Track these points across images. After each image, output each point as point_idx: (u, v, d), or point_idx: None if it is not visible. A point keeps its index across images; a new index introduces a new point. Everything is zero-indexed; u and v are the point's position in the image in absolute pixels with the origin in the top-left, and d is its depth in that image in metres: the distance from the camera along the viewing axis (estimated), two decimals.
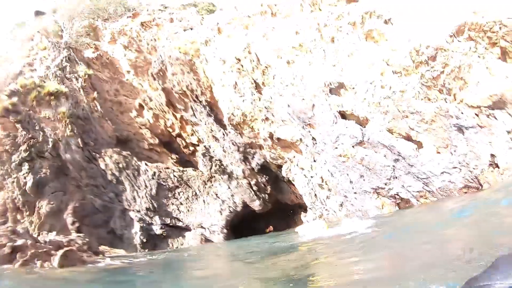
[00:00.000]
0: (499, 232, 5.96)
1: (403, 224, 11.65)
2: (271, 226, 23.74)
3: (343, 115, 17.00)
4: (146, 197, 19.73)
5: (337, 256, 8.20)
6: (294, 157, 19.85)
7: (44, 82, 18.72)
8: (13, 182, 16.17)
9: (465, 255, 5.02)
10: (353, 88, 16.66)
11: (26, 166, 16.58)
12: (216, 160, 21.89)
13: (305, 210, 20.30)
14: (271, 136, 19.95)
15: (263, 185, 21.99)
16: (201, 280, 9.22)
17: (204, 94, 21.13)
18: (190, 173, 21.60)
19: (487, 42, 12.68)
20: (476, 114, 12.27)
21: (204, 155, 21.94)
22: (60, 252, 10.96)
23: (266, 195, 21.91)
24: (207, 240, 20.11)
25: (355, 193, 16.66)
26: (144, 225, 19.29)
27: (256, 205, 21.34)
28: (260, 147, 20.97)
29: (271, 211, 22.62)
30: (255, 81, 20.17)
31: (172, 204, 20.43)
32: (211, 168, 21.73)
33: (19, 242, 10.55)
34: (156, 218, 19.68)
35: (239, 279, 8.08)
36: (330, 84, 17.33)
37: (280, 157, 20.54)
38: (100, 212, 18.47)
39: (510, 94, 11.24)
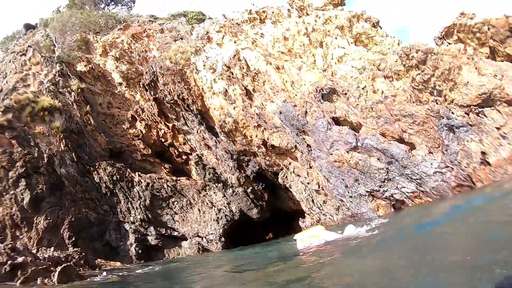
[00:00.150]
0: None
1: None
2: (270, 234, 23.72)
3: (336, 121, 17.15)
4: (140, 208, 19.64)
5: (335, 264, 8.20)
6: (290, 164, 19.91)
7: (38, 97, 18.66)
8: (10, 198, 16.12)
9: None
10: (345, 93, 16.83)
11: (23, 182, 16.54)
12: (209, 168, 21.85)
13: (303, 216, 20.36)
14: (264, 143, 20.00)
15: (260, 193, 21.96)
16: None
17: (195, 102, 21.18)
18: (183, 182, 21.54)
19: (476, 42, 12.93)
20: (466, 113, 12.47)
21: (197, 163, 21.91)
22: (59, 268, 10.92)
23: (264, 203, 21.87)
24: (204, 250, 19.96)
25: (350, 197, 16.76)
26: (139, 236, 19.17)
27: (253, 213, 21.30)
28: (255, 154, 21.01)
29: (269, 218, 22.60)
30: (245, 88, 20.27)
31: (167, 214, 20.33)
32: (204, 177, 21.69)
33: (20, 259, 10.51)
34: (151, 228, 19.56)
35: None
36: (322, 90, 17.49)
37: (276, 164, 20.60)
38: (95, 225, 18.35)
39: (498, 91, 11.47)
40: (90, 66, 22.79)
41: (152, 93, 22.05)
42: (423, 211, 12.88)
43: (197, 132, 21.76)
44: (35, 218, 16.26)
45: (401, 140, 14.76)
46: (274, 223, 23.56)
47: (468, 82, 12.09)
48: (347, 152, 16.33)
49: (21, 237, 15.60)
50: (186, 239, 20.20)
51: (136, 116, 22.70)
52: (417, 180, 14.19)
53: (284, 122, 18.78)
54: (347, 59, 17.77)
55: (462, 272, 4.67)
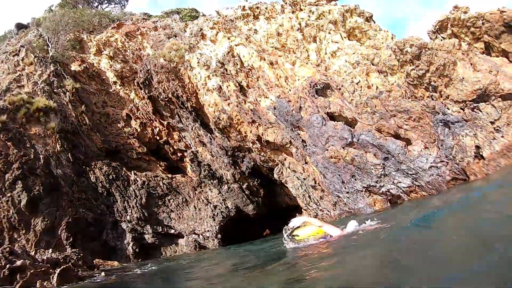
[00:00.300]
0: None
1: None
2: (267, 230, 23.79)
3: (331, 116, 17.18)
4: (137, 206, 19.64)
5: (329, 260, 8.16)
6: (285, 159, 19.93)
7: (33, 98, 18.52)
8: (7, 201, 16.07)
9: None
10: (339, 88, 16.86)
11: (19, 184, 16.49)
12: (204, 165, 21.86)
13: (300, 212, 20.43)
14: (259, 139, 20.00)
15: (255, 189, 22.01)
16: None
17: (190, 100, 21.14)
18: (179, 180, 21.55)
19: (470, 37, 12.96)
20: (461, 109, 12.52)
21: (192, 160, 21.91)
22: (58, 270, 10.93)
23: (260, 199, 21.94)
24: (201, 247, 20.00)
25: (347, 192, 16.82)
26: (136, 235, 19.18)
27: (249, 209, 21.37)
28: (249, 150, 21.01)
29: (266, 214, 22.67)
30: (239, 84, 20.24)
31: (163, 212, 20.34)
32: (200, 174, 21.71)
33: (18, 263, 10.50)
34: (148, 227, 19.58)
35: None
36: (316, 85, 17.51)
37: (271, 160, 20.62)
38: (92, 225, 18.34)
39: (494, 87, 11.53)
40: (85, 65, 22.67)
41: (146, 91, 22.01)
42: (419, 205, 12.92)
43: (192, 129, 21.73)
44: (32, 220, 16.24)
45: (397, 136, 14.81)
46: (270, 219, 23.62)
47: (463, 78, 12.12)
48: (343, 148, 16.36)
49: (19, 239, 15.59)
50: (183, 237, 20.24)
51: (131, 114, 22.64)
52: (413, 175, 14.27)
53: (278, 118, 18.79)
54: (340, 54, 17.78)
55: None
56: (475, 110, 12.10)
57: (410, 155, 14.17)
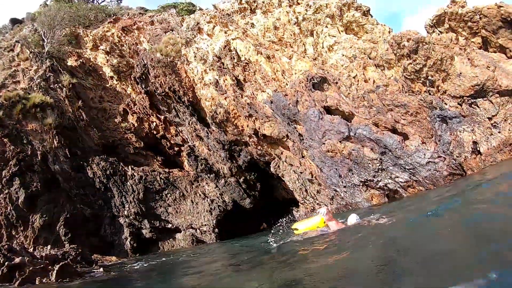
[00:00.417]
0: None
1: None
2: (264, 224, 23.85)
3: (328, 110, 17.19)
4: (134, 201, 19.62)
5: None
6: (282, 153, 19.95)
7: (29, 94, 18.35)
8: (5, 198, 16.05)
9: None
10: (336, 82, 16.86)
11: (17, 181, 16.46)
12: (201, 159, 21.85)
13: (297, 206, 20.51)
14: (256, 133, 20.00)
15: (252, 183, 22.04)
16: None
17: (187, 94, 21.07)
18: (176, 174, 21.51)
19: (467, 32, 12.97)
20: (459, 104, 12.56)
21: (189, 155, 21.89)
22: (56, 267, 10.95)
23: (256, 193, 21.97)
24: (198, 241, 20.04)
25: (344, 186, 16.88)
26: (134, 230, 19.18)
27: (246, 203, 21.39)
28: (246, 144, 21.01)
29: (262, 208, 22.71)
30: (236, 78, 20.19)
31: (160, 206, 20.33)
32: (197, 168, 21.69)
33: (17, 260, 10.50)
34: (145, 222, 19.58)
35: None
36: (313, 79, 17.49)
37: (268, 154, 20.63)
38: (90, 221, 18.34)
39: (491, 83, 11.55)
40: (81, 60, 22.44)
41: (143, 86, 21.90)
42: (417, 200, 12.95)
43: (188, 124, 21.69)
44: (30, 217, 16.24)
45: (394, 131, 14.84)
46: (267, 213, 23.69)
47: (461, 73, 12.14)
48: (340, 142, 16.38)
49: (17, 236, 15.60)
50: (180, 231, 20.27)
51: (127, 109, 22.53)
52: (410, 170, 14.32)
53: (275, 112, 18.78)
54: (337, 48, 17.74)
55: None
56: (472, 105, 12.13)
57: (408, 150, 14.21)
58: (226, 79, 20.26)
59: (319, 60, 18.15)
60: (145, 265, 14.46)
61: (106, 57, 23.25)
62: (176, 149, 23.09)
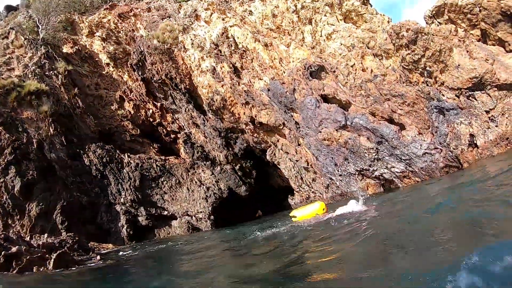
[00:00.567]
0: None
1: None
2: (259, 211, 23.97)
3: (325, 98, 17.14)
4: (131, 189, 19.64)
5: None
6: (278, 141, 19.97)
7: (24, 81, 18.14)
8: (1, 186, 16.00)
9: None
10: (334, 71, 16.78)
11: (13, 169, 16.42)
12: (198, 146, 21.84)
13: (292, 193, 20.58)
14: (252, 120, 19.97)
15: (248, 170, 22.08)
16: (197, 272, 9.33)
17: (183, 81, 20.93)
18: (172, 161, 21.49)
19: (467, 24, 12.89)
20: (456, 96, 12.56)
21: (185, 142, 21.86)
22: (54, 255, 10.96)
23: (252, 180, 22.03)
24: (194, 228, 20.14)
25: (340, 175, 16.94)
26: (130, 217, 19.25)
27: (242, 190, 21.47)
28: (242, 131, 21.00)
29: (258, 196, 22.80)
30: (233, 66, 20.08)
31: (156, 194, 20.37)
32: (193, 155, 21.69)
33: (14, 249, 10.48)
34: (141, 209, 19.63)
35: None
36: (310, 67, 17.41)
37: (264, 141, 20.64)
38: (87, 208, 18.37)
39: (489, 76, 11.54)
40: (77, 47, 22.17)
41: (140, 73, 21.73)
42: (415, 190, 12.97)
43: (185, 111, 21.61)
44: (27, 205, 16.23)
45: (390, 120, 14.86)
46: (263, 201, 23.79)
47: (459, 65, 12.11)
48: (336, 130, 16.40)
49: (13, 225, 15.59)
50: (176, 218, 20.36)
51: (124, 96, 22.37)
52: (406, 161, 14.37)
53: (272, 100, 18.73)
54: (336, 37, 17.63)
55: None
56: (470, 98, 12.13)
57: (404, 140, 14.23)
58: (223, 67, 20.13)
59: (317, 49, 18.04)
60: (141, 252, 14.52)
61: (102, 43, 22.98)
62: (172, 136, 23.05)
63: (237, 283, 6.69)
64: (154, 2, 23.99)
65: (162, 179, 20.65)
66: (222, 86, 20.23)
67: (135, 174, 19.91)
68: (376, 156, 15.37)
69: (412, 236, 6.33)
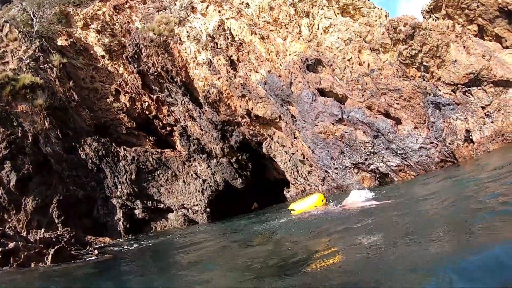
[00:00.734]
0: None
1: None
2: (255, 204, 24.08)
3: (321, 92, 17.15)
4: (127, 182, 19.61)
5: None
6: (274, 134, 20.01)
7: (18, 75, 17.92)
8: None
9: None
10: (331, 65, 16.77)
11: (8, 164, 16.27)
12: (194, 139, 21.81)
13: (288, 186, 20.67)
14: (248, 113, 19.98)
15: (244, 163, 22.13)
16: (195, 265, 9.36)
17: (179, 74, 20.84)
18: (168, 154, 21.46)
19: (464, 19, 12.89)
20: (453, 91, 12.61)
21: (181, 135, 21.83)
22: (52, 251, 10.96)
23: (248, 173, 22.09)
24: (190, 221, 20.21)
25: (336, 168, 17.03)
26: (126, 210, 19.25)
27: (238, 183, 21.52)
28: (238, 124, 21.01)
29: (254, 188, 22.87)
30: (230, 58, 20.01)
31: (153, 187, 20.36)
32: (189, 148, 21.67)
33: (11, 245, 10.48)
34: (138, 202, 19.63)
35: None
36: (307, 60, 17.39)
37: (260, 134, 20.68)
38: (83, 202, 18.33)
39: (486, 72, 11.57)
40: (71, 40, 21.90)
41: (135, 66, 21.57)
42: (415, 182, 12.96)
43: (181, 104, 21.55)
44: (23, 200, 16.16)
45: (387, 115, 14.91)
46: (259, 193, 23.88)
47: (456, 61, 12.14)
48: (333, 124, 16.45)
49: (9, 220, 15.54)
50: (172, 211, 20.41)
51: (119, 89, 22.22)
52: (402, 155, 14.46)
53: (268, 93, 18.73)
54: (333, 30, 17.58)
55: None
56: (466, 94, 12.18)
57: (400, 134, 14.30)
58: (219, 59, 20.05)
59: (314, 42, 17.99)
60: (138, 245, 14.56)
61: (97, 36, 22.75)
62: (168, 129, 23.00)
63: (235, 276, 6.72)
64: None
65: (158, 172, 20.64)
66: (219, 79, 20.18)
67: (131, 167, 19.88)
68: (372, 150, 15.45)
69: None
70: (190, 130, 22.08)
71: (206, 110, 21.10)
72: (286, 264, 6.43)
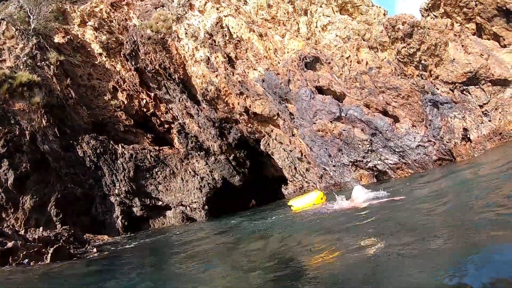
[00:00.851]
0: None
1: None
2: (253, 201, 24.11)
3: (320, 90, 17.16)
4: (125, 180, 19.61)
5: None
6: (272, 131, 20.03)
7: (15, 72, 17.84)
8: None
9: None
10: (329, 62, 16.78)
11: (5, 162, 16.25)
12: (192, 136, 21.81)
13: (286, 183, 20.70)
14: (246, 110, 19.98)
15: (242, 160, 22.15)
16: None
17: (177, 71, 20.80)
18: (166, 152, 21.44)
19: (462, 17, 12.91)
20: (450, 90, 12.64)
21: (179, 132, 21.82)
22: (51, 250, 10.96)
23: (246, 170, 22.11)
24: (188, 218, 20.20)
25: (334, 166, 17.07)
26: (125, 208, 19.25)
27: (236, 180, 21.54)
28: (236, 121, 21.02)
29: (252, 185, 22.90)
30: (227, 56, 19.99)
31: (151, 184, 20.36)
32: (187, 145, 21.67)
33: (9, 244, 10.47)
34: (136, 200, 19.64)
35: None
36: (305, 58, 17.39)
37: (258, 131, 20.69)
38: (81, 200, 18.32)
39: (484, 71, 11.61)
40: (68, 37, 21.79)
41: (133, 63, 21.50)
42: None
43: (179, 101, 21.53)
44: (20, 198, 16.14)
45: (385, 113, 14.94)
46: (257, 190, 23.91)
47: (454, 59, 12.16)
48: (331, 122, 16.47)
49: (7, 219, 15.51)
50: (170, 209, 20.42)
51: (117, 86, 22.15)
52: (400, 153, 14.51)
53: (266, 90, 18.73)
54: (331, 28, 17.58)
55: None
56: (464, 92, 12.20)
57: (398, 132, 14.34)
58: (217, 57, 20.03)
59: (312, 40, 17.99)
60: (137, 243, 14.58)
61: (94, 33, 22.65)
62: (166, 126, 22.96)
63: (233, 274, 6.75)
64: None
65: (156, 170, 20.63)
66: (216, 76, 20.15)
67: (129, 165, 19.86)
68: (370, 148, 15.49)
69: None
70: (188, 128, 22.06)
71: (204, 108, 21.09)
72: (285, 263, 6.47)
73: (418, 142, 13.86)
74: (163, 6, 21.80)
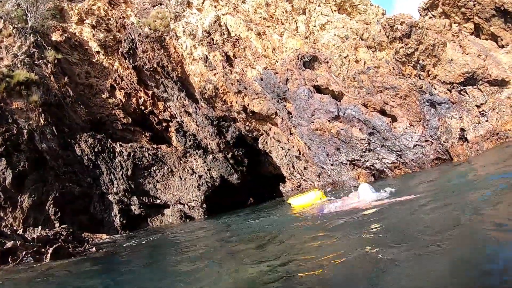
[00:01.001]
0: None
1: None
2: (251, 199, 24.16)
3: (317, 89, 17.20)
4: (123, 178, 19.62)
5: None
6: (270, 129, 20.06)
7: (13, 71, 17.75)
8: None
9: None
10: (327, 62, 16.81)
11: (3, 161, 16.23)
12: (190, 135, 21.82)
13: (284, 181, 20.75)
14: (245, 109, 20.02)
15: (240, 158, 22.18)
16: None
17: (175, 69, 20.79)
18: (164, 150, 21.46)
19: (460, 17, 12.95)
20: (448, 90, 12.69)
21: (177, 130, 21.83)
22: (50, 250, 10.98)
23: (244, 168, 22.16)
24: (187, 217, 20.26)
25: (332, 164, 17.13)
26: (123, 206, 19.29)
27: (234, 178, 21.59)
28: (235, 120, 21.06)
29: (250, 183, 22.94)
30: (226, 54, 20.00)
31: (149, 182, 20.39)
32: (185, 144, 21.69)
33: (9, 244, 10.49)
34: (134, 198, 19.67)
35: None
36: (304, 57, 17.41)
37: (256, 130, 20.74)
38: (80, 198, 18.33)
39: (482, 71, 11.65)
40: (66, 35, 21.68)
41: (131, 61, 21.45)
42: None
43: (177, 99, 21.51)
44: (19, 197, 16.12)
45: (383, 112, 15.00)
46: (255, 189, 23.95)
47: (452, 60, 12.20)
48: (329, 121, 16.52)
49: (5, 218, 15.49)
50: (169, 207, 20.47)
51: (115, 85, 22.10)
52: (397, 152, 14.58)
53: (264, 89, 18.75)
54: (330, 27, 17.58)
55: None
56: (462, 92, 12.26)
57: (395, 132, 14.40)
58: (215, 55, 20.03)
59: (310, 39, 18.00)
60: (135, 241, 14.59)
61: (92, 31, 22.56)
62: (164, 124, 22.96)
63: (231, 273, 6.77)
64: None
65: (154, 168, 20.66)
66: (215, 74, 20.17)
67: (127, 163, 19.87)
68: (367, 147, 15.56)
69: None
70: (186, 126, 22.06)
71: (202, 106, 21.10)
72: (285, 262, 6.49)
73: (415, 141, 13.93)
74: (161, 4, 21.75)
